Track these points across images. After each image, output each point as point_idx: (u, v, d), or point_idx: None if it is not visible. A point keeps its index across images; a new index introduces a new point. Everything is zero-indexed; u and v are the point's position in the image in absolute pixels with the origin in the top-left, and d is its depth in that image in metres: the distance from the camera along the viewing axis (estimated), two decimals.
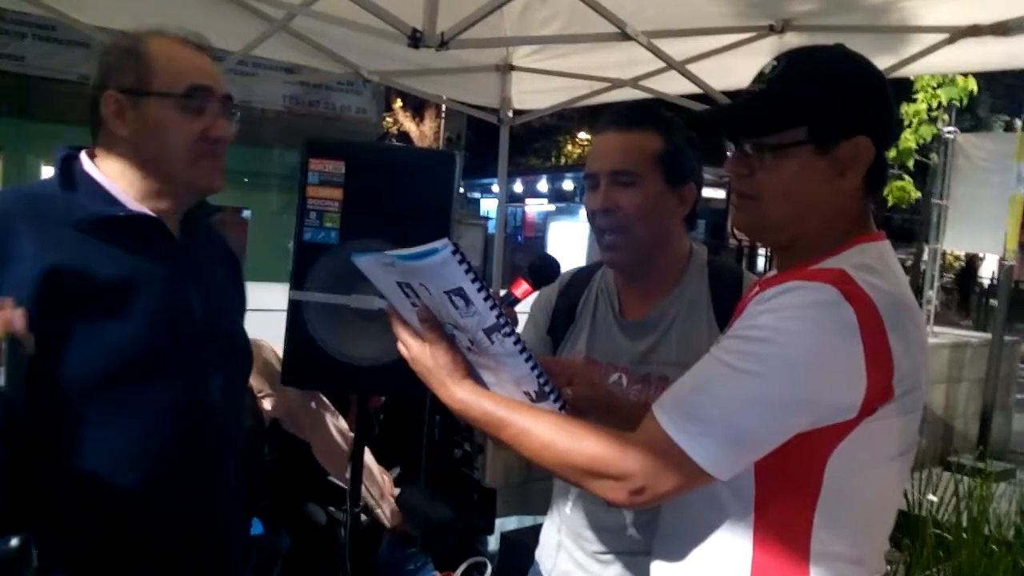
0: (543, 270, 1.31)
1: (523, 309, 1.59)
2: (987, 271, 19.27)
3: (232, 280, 1.56)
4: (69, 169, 1.34)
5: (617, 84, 3.57)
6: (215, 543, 1.41)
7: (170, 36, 1.37)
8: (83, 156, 1.36)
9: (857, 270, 1.02)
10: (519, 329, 1.08)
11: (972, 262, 19.20)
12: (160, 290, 1.33)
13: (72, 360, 1.24)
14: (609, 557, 1.48)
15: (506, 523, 3.70)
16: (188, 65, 1.34)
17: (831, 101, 1.06)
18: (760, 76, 1.11)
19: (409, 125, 19.33)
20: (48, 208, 1.29)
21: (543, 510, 1.68)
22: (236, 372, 1.46)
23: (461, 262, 0.98)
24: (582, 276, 1.62)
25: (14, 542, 0.98)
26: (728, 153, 1.14)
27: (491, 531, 2.80)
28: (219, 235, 1.60)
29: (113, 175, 1.35)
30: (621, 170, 1.44)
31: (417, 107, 19.36)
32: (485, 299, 1.01)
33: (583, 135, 24.01)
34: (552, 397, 1.11)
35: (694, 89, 3.18)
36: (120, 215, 1.32)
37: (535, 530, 1.74)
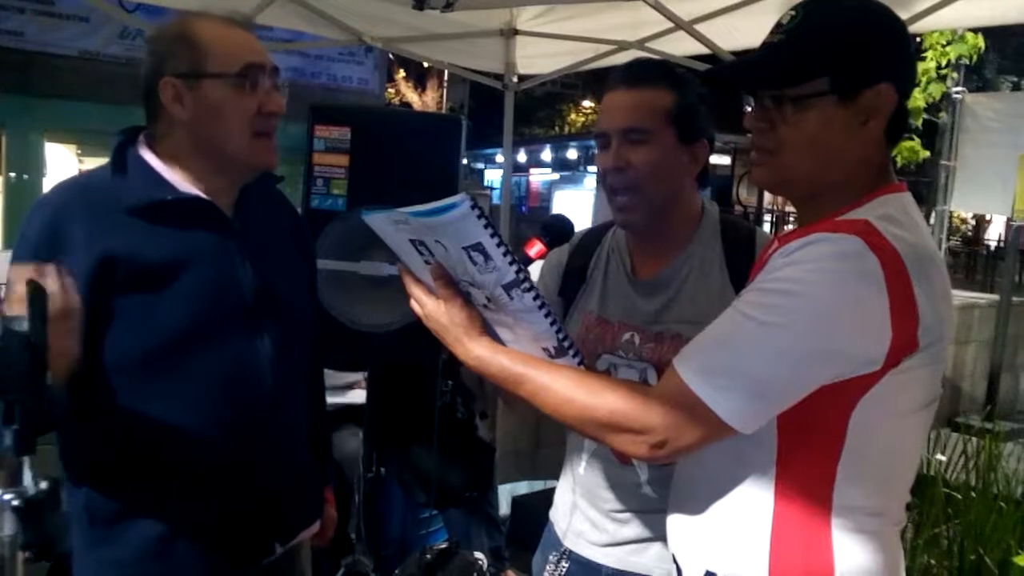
0: (558, 229, 1.30)
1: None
2: (993, 233, 19.18)
3: (296, 248, 1.58)
4: (122, 155, 1.39)
5: (623, 47, 3.54)
6: (273, 504, 1.47)
7: (215, 18, 1.40)
8: (141, 140, 1.41)
9: (881, 221, 1.01)
10: None
11: (978, 224, 19.13)
12: (207, 268, 1.38)
13: (122, 339, 1.32)
14: (625, 515, 1.49)
15: (517, 487, 3.73)
16: (239, 44, 1.38)
17: (853, 49, 1.04)
18: (778, 26, 1.08)
19: (411, 96, 19.19)
20: (100, 196, 1.35)
21: (553, 474, 1.69)
22: (292, 338, 1.49)
23: (480, 217, 0.98)
24: (593, 236, 1.61)
25: (44, 485, 1.01)
26: (747, 108, 1.12)
27: (489, 487, 2.83)
28: (285, 202, 1.63)
29: (170, 159, 1.40)
30: (633, 128, 1.42)
31: (419, 77, 19.21)
32: (504, 254, 1.00)
33: (587, 103, 23.83)
34: (571, 352, 1.10)
35: (701, 50, 3.14)
36: (169, 199, 1.36)
37: (546, 494, 1.75)
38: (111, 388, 1.33)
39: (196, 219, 1.38)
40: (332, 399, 2.76)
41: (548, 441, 3.83)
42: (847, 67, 1.04)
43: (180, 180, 1.39)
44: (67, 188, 1.41)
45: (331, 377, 2.58)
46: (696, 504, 1.15)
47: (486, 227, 0.98)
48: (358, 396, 2.91)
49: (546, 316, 1.06)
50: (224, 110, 1.35)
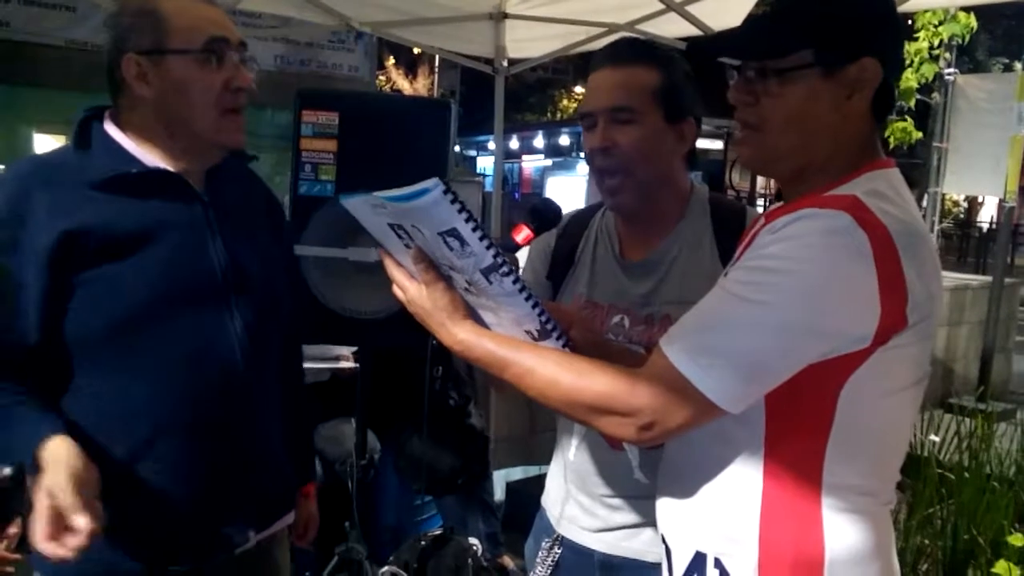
0: (545, 214, 1.28)
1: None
2: (986, 215, 19.24)
3: (271, 228, 1.56)
4: (86, 131, 1.37)
5: (613, 29, 3.52)
6: (245, 490, 1.45)
7: None
8: (106, 117, 1.39)
9: (870, 197, 1.00)
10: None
11: (971, 206, 19.19)
12: (175, 241, 1.35)
13: (86, 312, 1.30)
14: (616, 500, 1.48)
15: (511, 473, 3.74)
16: (203, 18, 1.35)
17: (837, 22, 1.03)
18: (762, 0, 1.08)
19: (402, 82, 19.13)
20: (63, 172, 1.33)
21: (548, 460, 1.68)
22: (265, 319, 1.46)
23: (453, 201, 0.95)
24: (581, 218, 1.60)
25: (7, 471, 0.99)
26: (730, 82, 1.11)
27: (484, 474, 2.82)
28: (260, 183, 1.62)
29: (136, 135, 1.37)
30: (619, 107, 1.40)
31: (410, 64, 19.15)
32: (481, 239, 0.98)
33: (579, 89, 23.75)
34: (555, 335, 1.09)
35: (692, 31, 3.12)
36: (133, 171, 1.34)
37: (540, 479, 1.74)
38: (73, 363, 1.31)
39: (164, 192, 1.36)
40: (319, 365, 2.75)
41: (543, 426, 3.83)
42: (831, 40, 1.03)
43: (146, 155, 1.37)
44: (28, 164, 1.39)
45: (318, 349, 2.57)
46: (685, 485, 1.14)
47: (460, 212, 0.96)
48: (347, 365, 2.90)
49: (527, 299, 1.05)
50: (189, 87, 1.33)
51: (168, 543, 1.37)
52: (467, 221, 0.97)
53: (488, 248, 0.99)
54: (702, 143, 1.67)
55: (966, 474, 3.31)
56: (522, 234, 1.24)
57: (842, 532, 1.05)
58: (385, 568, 2.27)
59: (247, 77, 1.37)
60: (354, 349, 2.66)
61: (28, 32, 8.65)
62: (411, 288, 1.10)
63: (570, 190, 15.21)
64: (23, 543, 1.04)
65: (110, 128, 1.38)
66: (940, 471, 3.34)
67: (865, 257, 0.95)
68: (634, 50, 1.45)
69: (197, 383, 1.36)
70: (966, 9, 6.18)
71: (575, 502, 1.54)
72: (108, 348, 1.32)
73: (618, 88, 1.41)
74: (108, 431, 1.33)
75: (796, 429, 1.05)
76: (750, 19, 1.08)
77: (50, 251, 1.26)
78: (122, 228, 1.31)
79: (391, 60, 18.82)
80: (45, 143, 9.07)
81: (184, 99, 1.34)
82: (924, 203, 7.44)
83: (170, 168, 1.38)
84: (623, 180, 1.42)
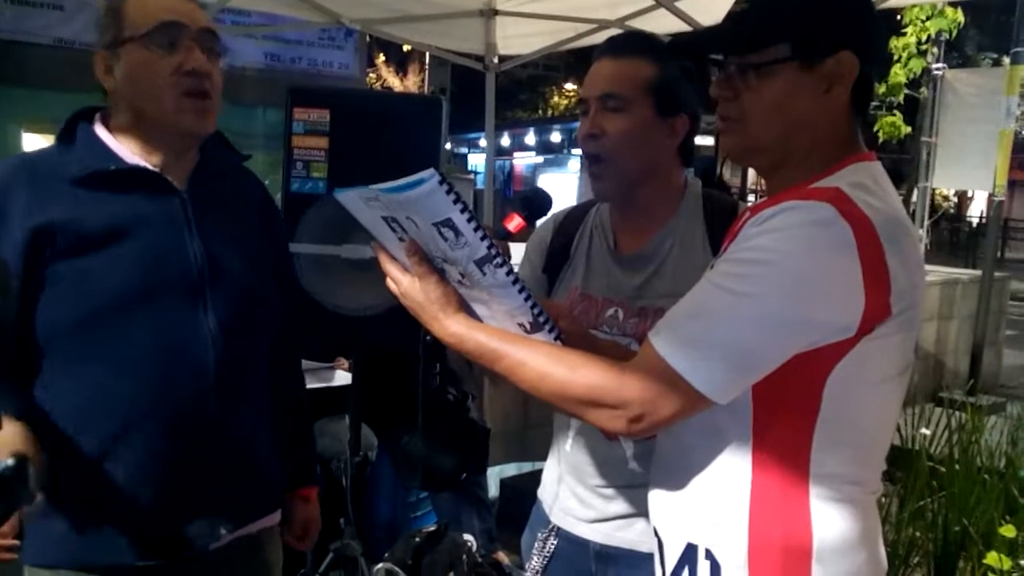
0: (535, 203, 1.29)
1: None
2: (975, 210, 19.36)
3: (264, 229, 1.56)
4: (72, 128, 1.40)
5: (603, 25, 3.53)
6: (215, 486, 1.44)
7: None
8: (97, 117, 1.42)
9: (852, 188, 1.01)
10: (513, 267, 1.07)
11: (960, 201, 19.30)
12: (149, 237, 1.36)
13: (57, 304, 1.32)
14: (611, 491, 1.49)
15: (505, 470, 3.74)
16: (156, 6, 1.37)
17: (813, 16, 1.05)
18: None
19: (392, 80, 19.13)
20: (46, 169, 1.36)
21: (542, 456, 1.68)
22: (245, 317, 1.45)
23: (449, 192, 0.96)
24: (577, 213, 1.61)
25: (10, 461, 1.00)
26: (712, 78, 1.12)
27: (483, 471, 2.83)
28: (256, 184, 1.62)
29: (119, 133, 1.41)
30: (610, 94, 1.41)
31: (400, 62, 19.15)
32: (475, 229, 0.99)
33: (569, 86, 23.78)
34: (547, 327, 1.10)
35: (682, 27, 3.13)
36: (112, 168, 1.37)
37: (534, 476, 1.74)
38: (43, 355, 1.32)
39: (141, 189, 1.38)
40: (317, 384, 2.75)
41: (536, 423, 3.83)
42: (807, 34, 1.05)
43: (129, 153, 1.39)
44: (12, 162, 1.40)
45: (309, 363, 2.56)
46: (675, 477, 1.15)
47: (455, 202, 0.97)
48: (343, 378, 2.90)
49: (520, 291, 1.05)
50: (141, 72, 1.35)
51: (137, 538, 1.37)
52: (462, 211, 0.98)
53: (482, 239, 1.00)
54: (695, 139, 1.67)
55: (957, 467, 3.34)
56: (514, 222, 1.25)
57: (830, 521, 1.06)
58: (380, 565, 2.28)
59: (199, 59, 1.36)
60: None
61: (15, 30, 8.60)
62: (404, 281, 1.10)
63: (561, 187, 15.26)
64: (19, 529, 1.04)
65: (97, 128, 1.41)
66: (931, 464, 3.37)
67: (849, 248, 0.96)
68: (633, 43, 1.47)
69: (167, 378, 1.36)
70: (953, 4, 6.22)
71: (571, 492, 1.55)
72: (78, 340, 1.32)
73: (612, 77, 1.43)
74: (78, 424, 1.33)
75: (783, 419, 1.06)
76: (730, 15, 1.11)
77: (26, 242, 1.28)
78: (94, 223, 1.32)
79: (381, 58, 18.82)
80: (33, 142, 9.03)
81: (138, 85, 1.36)
82: (914, 197, 7.48)
83: (149, 165, 1.39)
84: (607, 168, 1.44)
